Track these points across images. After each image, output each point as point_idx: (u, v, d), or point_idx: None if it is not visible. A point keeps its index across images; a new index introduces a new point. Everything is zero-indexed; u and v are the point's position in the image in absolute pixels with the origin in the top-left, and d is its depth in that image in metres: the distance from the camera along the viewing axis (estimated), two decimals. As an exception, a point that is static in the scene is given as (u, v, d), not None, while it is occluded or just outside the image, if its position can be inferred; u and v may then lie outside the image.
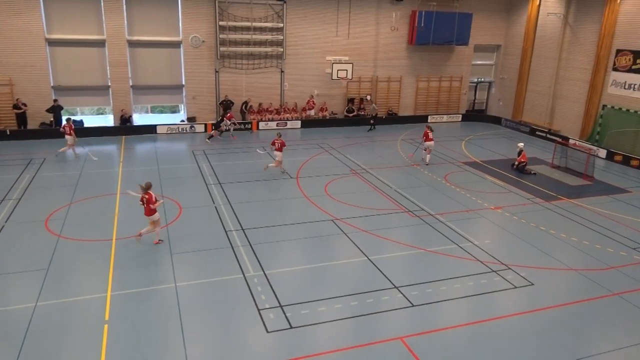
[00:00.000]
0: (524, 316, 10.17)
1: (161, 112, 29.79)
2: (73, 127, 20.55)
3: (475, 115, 32.06)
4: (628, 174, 20.76)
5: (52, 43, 23.98)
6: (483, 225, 14.96)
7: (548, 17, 27.39)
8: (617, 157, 22.57)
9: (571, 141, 24.03)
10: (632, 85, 22.96)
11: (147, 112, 29.13)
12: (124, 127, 25.18)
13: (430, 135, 20.54)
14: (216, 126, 24.69)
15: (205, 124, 26.22)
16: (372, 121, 27.84)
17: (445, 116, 31.16)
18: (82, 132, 24.38)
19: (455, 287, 11.17)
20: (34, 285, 10.62)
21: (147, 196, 12.37)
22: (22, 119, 23.69)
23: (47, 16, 23.61)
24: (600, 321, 10.13)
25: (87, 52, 24.73)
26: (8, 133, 22.94)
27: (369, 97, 29.54)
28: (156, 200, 12.50)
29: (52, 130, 23.76)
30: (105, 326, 9.33)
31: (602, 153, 23.11)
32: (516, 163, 20.53)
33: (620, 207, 16.68)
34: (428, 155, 20.84)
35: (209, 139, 24.17)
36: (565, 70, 26.76)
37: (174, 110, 29.15)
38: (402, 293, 10.79)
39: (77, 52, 24.54)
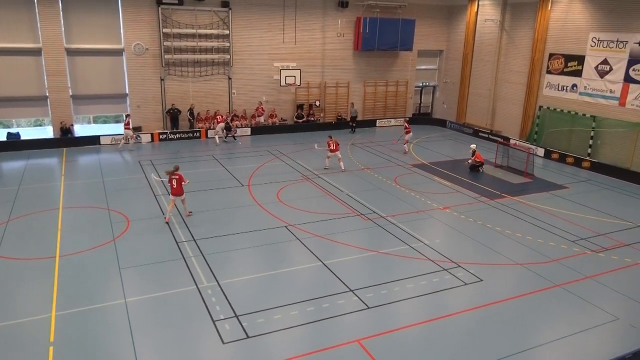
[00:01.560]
0: (475, 311, 10.51)
1: (104, 122, 28.74)
2: None
3: (421, 119, 32.95)
4: (564, 171, 21.94)
5: (-18, 52, 22.67)
6: (433, 225, 15.36)
7: (486, 23, 28.61)
8: (554, 155, 23.82)
9: (512, 141, 25.16)
10: (565, 87, 24.33)
11: (89, 122, 28.01)
12: (65, 139, 24.10)
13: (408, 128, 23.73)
14: (228, 129, 25.74)
15: (152, 133, 25.54)
16: (352, 124, 28.88)
17: (392, 120, 31.83)
18: (19, 144, 23.23)
19: (409, 287, 11.40)
20: (-31, 310, 9.96)
21: (177, 176, 14.39)
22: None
23: (-24, 24, 22.31)
24: (546, 312, 10.61)
25: (22, 61, 23.54)
26: None
27: (318, 103, 29.75)
28: (185, 180, 14.44)
29: (-15, 144, 22.46)
30: (51, 348, 8.87)
31: (540, 152, 24.32)
32: (469, 161, 21.28)
33: (559, 202, 17.59)
34: (405, 146, 23.88)
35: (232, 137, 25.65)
36: (504, 73, 28.01)
37: (118, 120, 28.19)
38: (357, 296, 10.89)
39: (11, 61, 23.30)
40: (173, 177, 14.40)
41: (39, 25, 23.17)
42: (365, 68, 30.59)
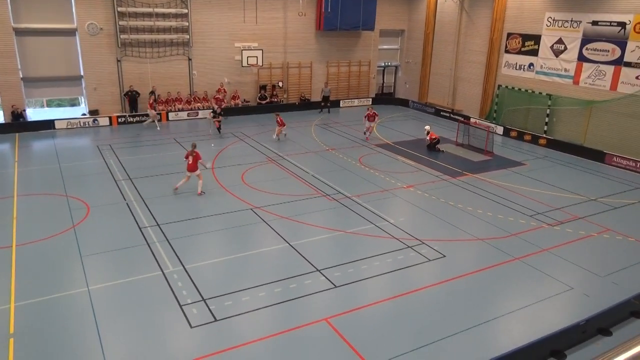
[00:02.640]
0: (439, 286, 10.82)
1: (59, 105, 27.60)
2: None
3: (384, 99, 33.14)
4: (522, 148, 22.62)
5: None
6: (397, 204, 15.61)
7: (446, 3, 28.82)
8: (513, 133, 24.49)
9: (472, 120, 25.69)
10: (522, 66, 24.91)
11: (42, 106, 26.85)
12: (17, 124, 23.05)
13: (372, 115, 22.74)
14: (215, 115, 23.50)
15: (110, 117, 24.74)
16: (323, 103, 28.97)
17: (356, 100, 31.89)
18: (-34, 131, 22.11)
19: (375, 265, 11.60)
20: None
21: (194, 154, 15.38)
22: None
23: None
24: (507, 284, 11.03)
25: (-35, 41, 22.23)
26: None
27: (281, 84, 29.46)
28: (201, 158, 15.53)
29: None
30: (11, 340, 8.60)
31: (500, 130, 24.95)
32: (428, 141, 21.56)
33: (517, 179, 18.16)
34: (368, 133, 22.98)
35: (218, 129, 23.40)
36: (464, 53, 28.42)
37: (73, 103, 27.14)
38: (324, 275, 11.01)
39: (-47, 41, 21.98)
40: (191, 154, 15.45)
41: (-17, 3, 21.88)
42: (327, 48, 30.40)
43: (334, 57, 30.87)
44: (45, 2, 23.23)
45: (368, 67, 32.20)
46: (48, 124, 23.58)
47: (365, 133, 23.06)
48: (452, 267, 11.67)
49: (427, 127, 22.09)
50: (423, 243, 12.74)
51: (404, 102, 32.14)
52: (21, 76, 23.50)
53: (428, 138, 21.58)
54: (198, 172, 15.62)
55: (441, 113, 28.96)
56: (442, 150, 21.33)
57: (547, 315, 9.94)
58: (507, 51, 25.60)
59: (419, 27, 31.13)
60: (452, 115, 28.06)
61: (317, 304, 10.04)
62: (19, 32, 22.98)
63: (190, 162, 15.52)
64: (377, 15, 30.00)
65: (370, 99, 32.44)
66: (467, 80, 28.50)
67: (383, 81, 33.95)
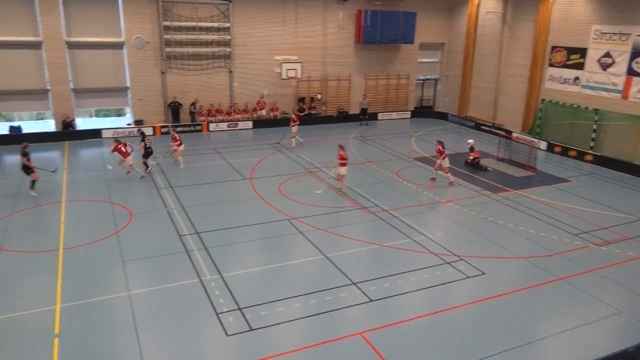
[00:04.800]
0: (478, 305, 10.53)
1: (106, 115, 28.70)
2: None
3: (423, 112, 32.88)
4: (567, 164, 21.91)
5: (-17, 45, 22.62)
6: (435, 219, 15.37)
7: (487, 16, 28.48)
8: (557, 149, 23.77)
9: (514, 134, 25.11)
10: (567, 80, 24.23)
11: (90, 116, 27.98)
12: (67, 132, 24.10)
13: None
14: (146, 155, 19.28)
15: (154, 127, 25.52)
16: (362, 116, 28.88)
17: (394, 113, 31.76)
18: (21, 138, 23.21)
19: (411, 280, 11.42)
20: (-26, 303, 9.99)
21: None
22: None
23: (-24, 17, 22.25)
24: (549, 305, 10.63)
25: (22, 54, 23.47)
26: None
27: (319, 96, 29.69)
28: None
29: (-14, 138, 22.50)
30: (56, 340, 8.91)
31: (543, 145, 24.27)
32: (470, 159, 21.10)
33: (561, 196, 17.58)
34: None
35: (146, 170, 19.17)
36: (506, 66, 27.91)
37: (119, 113, 28.16)
38: (360, 289, 10.91)
39: (10, 54, 23.23)
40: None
41: (38, 18, 23.08)
42: (366, 61, 30.48)
43: (373, 70, 30.90)
44: (96, 17, 24.32)
45: (407, 80, 32.06)
46: (95, 133, 24.55)
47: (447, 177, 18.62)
48: (492, 285, 11.36)
49: (471, 142, 21.59)
50: (461, 259, 12.47)
51: (443, 116, 31.75)
52: (72, 87, 24.60)
53: (472, 155, 21.01)
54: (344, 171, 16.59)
55: (481, 127, 28.45)
56: (489, 169, 20.67)
57: (592, 340, 9.50)
58: (551, 64, 24.98)
59: (460, 40, 30.81)
60: (492, 130, 27.51)
61: (352, 318, 9.95)
62: (71, 45, 24.12)
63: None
64: (416, 28, 29.90)
65: (409, 112, 32.25)
66: (509, 93, 27.94)
67: (422, 94, 33.70)
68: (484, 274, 11.80)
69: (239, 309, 10.03)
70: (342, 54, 29.70)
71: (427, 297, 10.82)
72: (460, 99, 31.09)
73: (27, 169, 16.08)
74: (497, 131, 26.42)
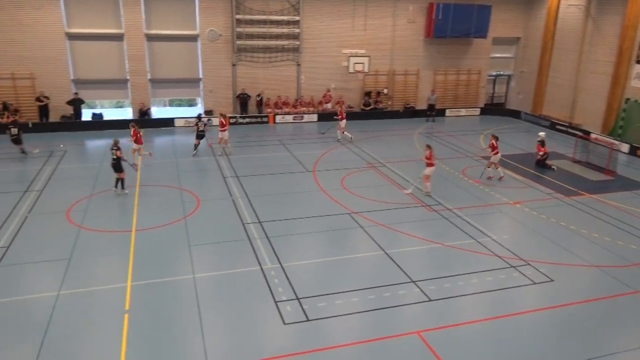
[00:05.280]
0: (544, 312, 10.05)
1: (179, 105, 30.01)
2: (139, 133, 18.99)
3: (494, 109, 31.67)
4: (651, 169, 20.34)
5: (71, 37, 24.29)
6: (501, 220, 14.80)
7: (569, 9, 26.87)
8: (640, 152, 22.11)
9: (592, 135, 23.61)
10: (657, 79, 22.44)
11: (164, 105, 29.36)
12: (143, 120, 25.42)
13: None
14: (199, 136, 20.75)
15: (222, 117, 26.34)
16: (429, 112, 28.31)
17: (463, 110, 30.82)
18: (102, 124, 24.81)
19: (473, 282, 11.08)
20: (56, 275, 10.83)
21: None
22: (44, 111, 24.11)
23: (66, 10, 23.90)
24: (622, 319, 9.95)
25: (105, 46, 25.00)
26: (30, 126, 23.32)
27: (385, 91, 29.38)
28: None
29: (72, 123, 24.19)
30: (126, 315, 9.48)
31: (625, 147, 22.64)
32: (539, 154, 20.10)
33: (642, 202, 16.36)
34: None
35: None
36: (587, 63, 26.24)
37: (191, 103, 29.33)
38: (419, 287, 10.74)
39: (95, 46, 24.83)
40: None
41: (121, 11, 24.46)
42: (436, 56, 29.76)
43: (442, 65, 30.13)
44: (173, 10, 25.40)
45: (478, 76, 30.98)
46: (168, 122, 25.73)
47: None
48: (560, 293, 10.79)
49: (542, 135, 20.49)
50: (528, 264, 11.93)
51: (515, 114, 30.40)
52: (149, 77, 25.89)
53: (543, 150, 19.98)
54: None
55: (557, 126, 26.98)
56: (554, 167, 19.77)
57: (672, 359, 8.80)
58: (638, 61, 23.19)
59: (537, 35, 29.31)
60: (569, 130, 26.02)
61: (409, 316, 9.83)
62: (150, 38, 25.37)
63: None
64: (490, 22, 28.78)
65: (479, 109, 31.18)
66: (589, 92, 26.28)
67: (493, 91, 32.45)
68: (552, 280, 11.23)
69: (297, 299, 10.18)
70: (411, 48, 29.16)
71: (490, 300, 10.46)
72: (535, 97, 29.61)
73: (118, 167, 15.45)
74: (574, 131, 24.95)
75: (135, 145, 18.78)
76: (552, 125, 27.27)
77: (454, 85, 30.83)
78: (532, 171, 19.34)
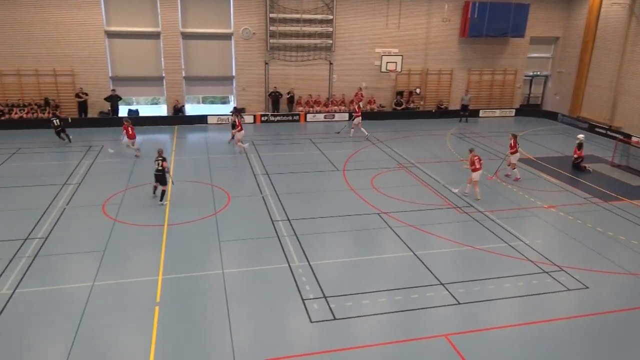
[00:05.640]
0: (577, 320, 9.75)
1: (212, 102, 30.47)
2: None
3: (529, 110, 30.92)
4: (696, 175, 19.43)
5: (110, 35, 24.97)
6: (535, 224, 14.43)
7: (612, 7, 25.96)
8: (685, 157, 21.15)
9: (634, 139, 22.74)
10: None
11: (198, 102, 29.87)
12: (177, 117, 25.93)
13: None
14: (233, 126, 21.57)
15: (254, 115, 26.61)
16: (462, 112, 27.85)
17: (497, 111, 30.21)
18: (138, 121, 25.39)
19: (505, 286, 10.85)
20: (91, 266, 11.16)
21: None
22: (83, 107, 24.87)
23: (106, 9, 24.58)
24: (661, 329, 9.57)
25: (143, 44, 25.60)
26: (70, 121, 24.09)
27: (418, 90, 29.08)
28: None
29: (110, 119, 24.86)
30: (156, 307, 9.69)
31: (668, 152, 21.70)
32: (575, 156, 19.54)
33: (686, 209, 15.67)
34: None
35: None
36: (630, 63, 25.30)
37: (224, 101, 29.74)
38: (447, 290, 10.59)
39: (133, 44, 25.45)
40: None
41: (159, 10, 24.98)
42: (471, 55, 29.26)
43: (477, 65, 29.60)
44: (208, 9, 25.80)
45: (514, 76, 30.31)
46: (202, 119, 26.15)
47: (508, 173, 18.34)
48: (595, 301, 10.45)
49: (581, 137, 19.86)
50: (562, 270, 11.60)
51: (552, 115, 29.60)
52: (183, 75, 26.37)
53: (580, 153, 19.39)
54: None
55: (595, 129, 26.13)
56: (589, 169, 19.14)
57: None
58: (685, 62, 22.22)
59: (577, 34, 28.44)
60: (609, 132, 25.15)
61: (437, 319, 9.70)
62: (185, 36, 25.83)
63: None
64: (528, 21, 28.10)
65: (514, 110, 30.50)
66: (631, 93, 25.34)
67: (530, 92, 31.69)
68: (587, 288, 10.89)
69: (325, 297, 10.19)
70: (445, 47, 28.75)
71: (521, 306, 10.22)
72: (573, 98, 28.74)
73: (162, 178, 14.69)
74: (614, 134, 24.11)
75: (126, 140, 19.45)
76: (591, 128, 26.42)
77: (489, 86, 30.24)
78: (569, 174, 18.79)
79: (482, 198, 15.95)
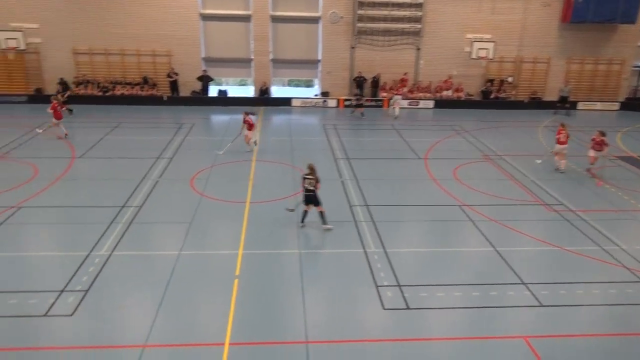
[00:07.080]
0: (677, 336, 8.91)
1: (297, 85, 30.93)
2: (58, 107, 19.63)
3: (637, 104, 28.27)
4: None
5: (205, 17, 26.03)
6: (634, 229, 13.28)
7: None
8: None
9: None
10: None
11: (283, 85, 30.46)
12: (263, 99, 26.64)
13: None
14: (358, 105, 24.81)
15: (338, 99, 26.68)
16: (559, 104, 26.38)
17: (599, 103, 27.95)
18: (226, 101, 26.41)
19: (594, 292, 10.13)
20: (179, 236, 11.87)
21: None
22: (174, 86, 26.29)
23: (202, -8, 25.64)
24: None
25: (234, 26, 26.46)
26: (165, 99, 25.61)
27: (510, 79, 27.60)
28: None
29: (200, 98, 26.07)
30: (236, 280, 10.13)
31: None
32: None
33: None
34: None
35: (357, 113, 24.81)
36: None
37: (308, 84, 30.08)
38: (530, 290, 10.08)
39: (226, 26, 26.38)
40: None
41: (251, -7, 25.65)
42: (572, 43, 27.21)
43: (578, 53, 27.49)
44: (299, -7, 26.09)
45: (620, 66, 27.83)
46: (286, 101, 26.67)
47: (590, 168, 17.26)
48: (701, 317, 9.46)
49: None
50: (663, 280, 10.62)
51: (663, 111, 26.89)
52: (271, 57, 26.96)
53: None
54: None
55: None
56: None
57: None
58: None
59: (700, 21, 25.46)
60: None
61: (516, 319, 9.28)
62: (274, 19, 26.32)
63: None
64: (642, 5, 25.57)
65: (618, 103, 28.07)
66: None
67: (637, 84, 28.94)
68: (692, 302, 9.88)
69: (399, 285, 10.11)
70: (544, 33, 26.96)
71: (611, 315, 9.50)
72: (690, 92, 25.89)
73: (314, 199, 12.34)
74: None
75: (55, 120, 19.47)
76: None
77: (591, 76, 27.99)
78: (678, 177, 17.05)
79: (575, 196, 14.91)
